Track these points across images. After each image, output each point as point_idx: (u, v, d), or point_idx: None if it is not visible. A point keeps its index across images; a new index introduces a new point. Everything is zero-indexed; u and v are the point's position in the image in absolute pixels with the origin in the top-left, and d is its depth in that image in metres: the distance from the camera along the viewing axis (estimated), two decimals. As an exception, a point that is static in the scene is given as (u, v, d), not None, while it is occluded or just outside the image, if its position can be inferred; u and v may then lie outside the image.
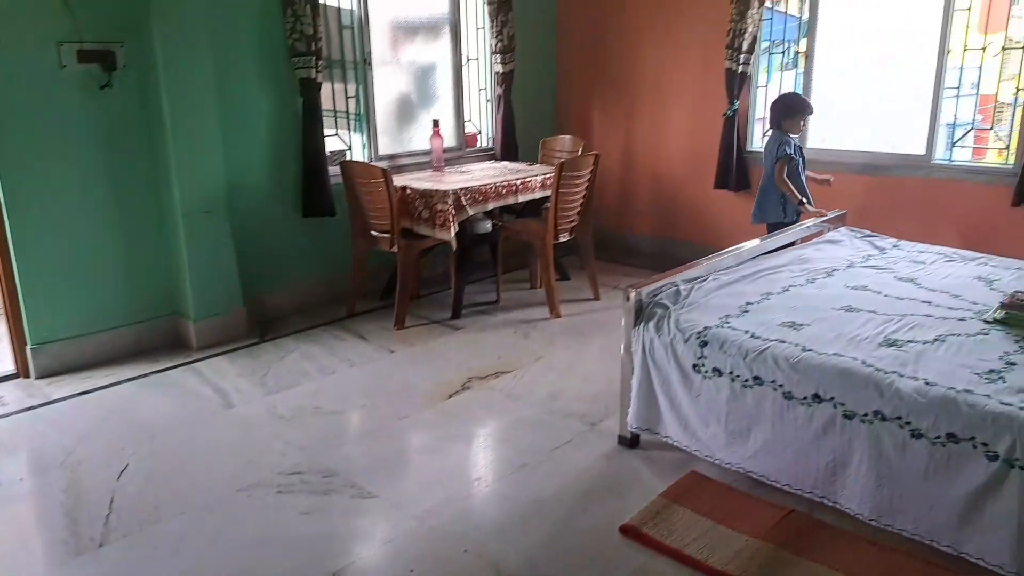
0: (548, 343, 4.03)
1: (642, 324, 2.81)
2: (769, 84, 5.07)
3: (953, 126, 4.36)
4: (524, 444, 2.98)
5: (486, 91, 5.60)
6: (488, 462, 2.94)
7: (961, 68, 4.24)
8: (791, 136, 4.19)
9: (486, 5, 5.24)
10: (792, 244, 3.87)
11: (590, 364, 3.72)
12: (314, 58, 4.23)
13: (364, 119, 4.83)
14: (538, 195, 4.57)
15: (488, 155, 5.56)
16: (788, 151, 4.14)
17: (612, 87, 5.69)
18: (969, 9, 4.12)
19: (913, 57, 4.38)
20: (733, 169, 5.02)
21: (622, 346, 2.88)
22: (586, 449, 2.93)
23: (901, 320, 2.75)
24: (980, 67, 4.19)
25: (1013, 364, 2.35)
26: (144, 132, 3.80)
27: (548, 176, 4.49)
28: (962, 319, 2.77)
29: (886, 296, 3.05)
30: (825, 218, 4.09)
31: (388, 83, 4.96)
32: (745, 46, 4.80)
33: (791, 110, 4.16)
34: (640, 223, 5.79)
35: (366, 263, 4.43)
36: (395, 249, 4.14)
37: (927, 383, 2.21)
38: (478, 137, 5.62)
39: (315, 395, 3.43)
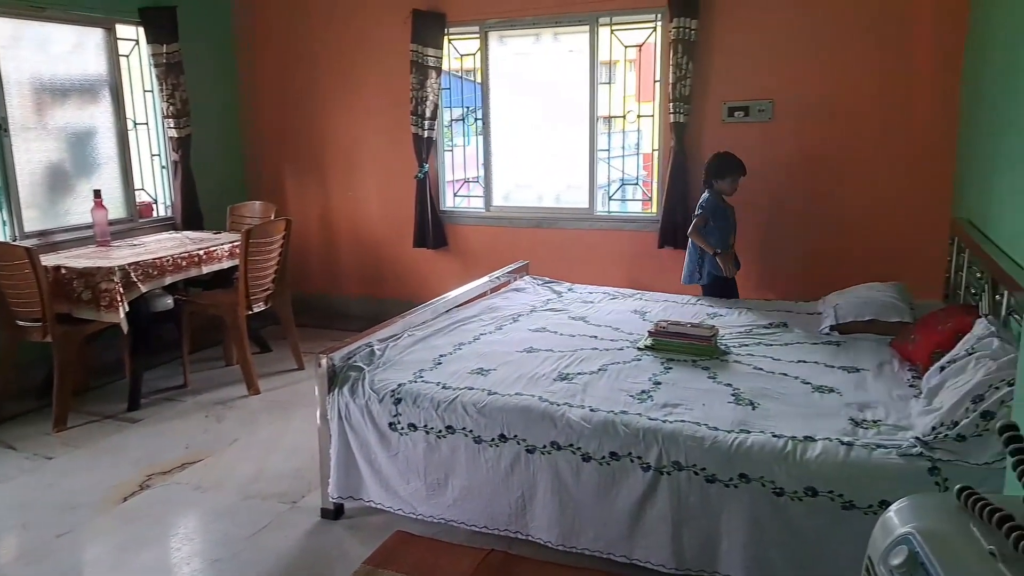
0: (246, 422, 3.77)
1: (336, 389, 2.75)
2: (466, 147, 5.38)
3: (622, 181, 4.96)
4: (217, 536, 2.72)
5: (160, 157, 5.21)
6: (175, 565, 2.62)
7: (624, 131, 4.89)
8: (723, 196, 4.02)
9: (153, 68, 4.91)
10: (484, 295, 4.10)
11: (293, 438, 3.54)
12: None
13: (3, 192, 4.19)
14: (226, 264, 4.32)
15: (167, 225, 5.14)
16: (701, 211, 3.97)
17: (305, 151, 5.64)
18: (610, 83, 4.79)
19: (577, 122, 4.95)
20: (430, 228, 5.22)
21: (317, 414, 2.79)
22: (288, 529, 2.76)
23: (573, 355, 3.03)
24: (638, 130, 4.84)
25: (659, 383, 2.71)
26: None
27: (236, 244, 4.28)
28: (621, 348, 3.13)
29: (561, 335, 3.35)
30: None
31: (33, 151, 4.38)
32: (428, 112, 5.07)
33: (721, 170, 3.98)
34: (346, 285, 5.75)
35: (13, 358, 3.78)
36: (49, 339, 3.60)
37: (591, 409, 2.45)
38: (153, 206, 5.18)
39: (-54, 524, 2.81)
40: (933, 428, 2.11)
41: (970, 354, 2.33)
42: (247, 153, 5.80)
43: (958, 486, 1.15)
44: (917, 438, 2.13)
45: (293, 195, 5.77)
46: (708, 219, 3.98)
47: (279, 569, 2.51)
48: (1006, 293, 2.61)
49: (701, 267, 4.07)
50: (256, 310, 4.23)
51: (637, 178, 4.93)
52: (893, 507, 1.21)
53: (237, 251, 4.16)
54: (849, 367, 2.84)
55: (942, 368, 2.42)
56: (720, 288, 4.03)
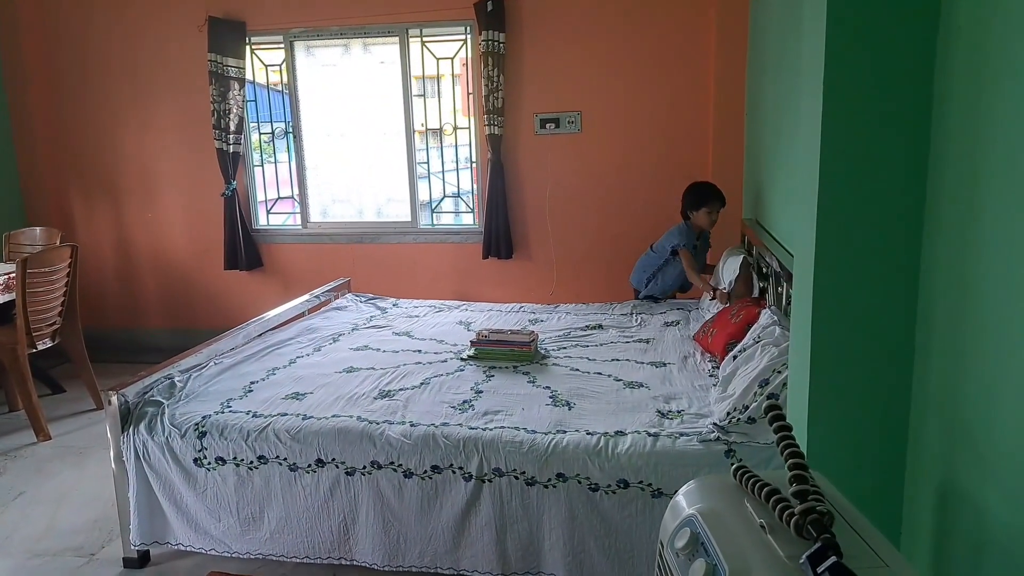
0: (34, 473, 3.35)
1: (132, 428, 2.51)
2: (277, 163, 5.13)
3: (443, 195, 4.95)
4: (-6, 607, 2.39)
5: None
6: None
7: (455, 144, 4.88)
8: (697, 229, 3.84)
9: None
10: (302, 315, 3.93)
11: (90, 486, 3.19)
12: None
13: None
14: (2, 299, 3.83)
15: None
16: (683, 243, 3.81)
17: (93, 172, 5.14)
18: (437, 96, 4.78)
19: (395, 135, 4.88)
20: (241, 248, 4.94)
21: (111, 457, 2.52)
22: (83, 587, 2.48)
23: (395, 371, 2.97)
24: (469, 143, 4.82)
25: (481, 392, 2.72)
26: None
27: (11, 275, 3.80)
28: (444, 361, 3.11)
29: (384, 352, 3.28)
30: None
31: None
32: (233, 126, 4.80)
33: (697, 201, 3.78)
34: (150, 316, 5.30)
35: None
36: None
37: (412, 425, 2.40)
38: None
39: None
40: (728, 413, 2.27)
41: (757, 342, 2.54)
42: (24, 177, 5.19)
43: (735, 465, 1.23)
44: (714, 424, 2.29)
45: (82, 219, 5.24)
46: (690, 251, 3.79)
47: (71, 635, 2.24)
48: (785, 285, 2.88)
49: (650, 280, 4.02)
50: (41, 347, 3.79)
51: (458, 191, 4.96)
52: (681, 490, 1.28)
53: (13, 283, 3.70)
54: (657, 362, 3.01)
55: (735, 357, 2.62)
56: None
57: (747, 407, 2.24)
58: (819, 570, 0.91)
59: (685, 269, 3.82)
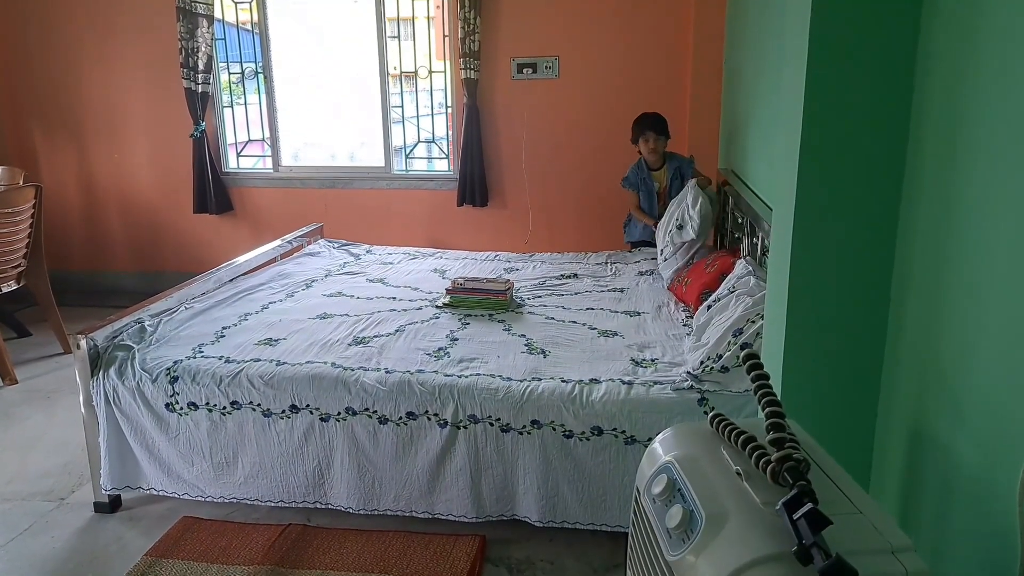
0: (1, 417, 3.30)
1: (101, 372, 2.47)
2: (247, 104, 4.97)
3: (418, 140, 4.85)
4: (-36, 550, 2.37)
5: None
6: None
7: (431, 89, 4.75)
8: (644, 162, 3.89)
9: None
10: (274, 260, 3.87)
11: (59, 430, 3.16)
12: None
13: None
14: (-38, 240, 3.71)
15: None
16: (627, 180, 3.92)
17: (56, 110, 4.95)
18: (413, 39, 4.64)
19: (368, 78, 4.75)
20: (211, 191, 4.83)
21: (81, 401, 2.49)
22: (56, 529, 2.47)
23: (370, 318, 2.95)
24: (444, 88, 4.71)
25: (456, 340, 2.71)
26: None
27: (-29, 216, 3.68)
28: (419, 308, 3.10)
29: (358, 299, 3.25)
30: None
31: None
32: (201, 65, 4.63)
33: (633, 134, 3.83)
34: (117, 258, 5.19)
35: None
36: None
37: (387, 371, 2.40)
38: None
39: None
40: (701, 362, 2.30)
41: (731, 292, 2.55)
42: (-17, 110, 4.99)
43: (711, 413, 1.24)
44: (688, 372, 2.31)
45: (46, 159, 5.06)
46: (636, 189, 3.90)
47: (47, 572, 2.24)
48: (760, 235, 2.89)
49: (626, 226, 4.10)
50: (6, 290, 3.71)
51: (432, 136, 4.87)
52: (657, 438, 1.29)
53: (-27, 223, 3.58)
54: (631, 311, 3.02)
55: (709, 307, 2.64)
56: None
57: (720, 356, 2.26)
58: (795, 516, 0.93)
59: (630, 208, 4.00)
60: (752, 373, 1.20)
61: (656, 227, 3.69)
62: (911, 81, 1.39)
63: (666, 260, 3.46)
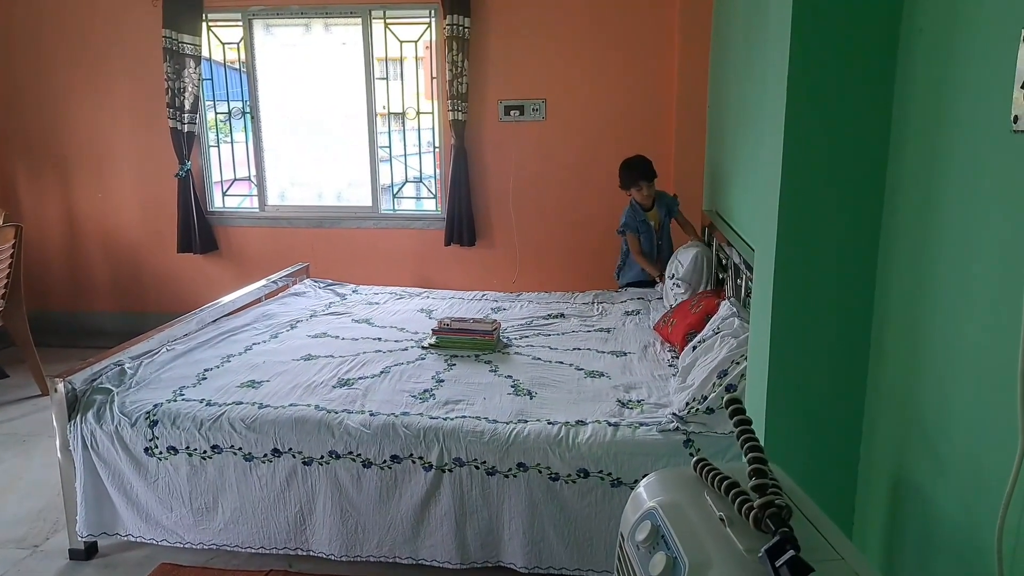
0: (-26, 461, 3.24)
1: (79, 416, 2.43)
2: (234, 143, 4.99)
3: (405, 180, 4.87)
4: (-69, 602, 2.30)
5: None
6: None
7: (418, 128, 4.79)
8: (638, 205, 3.89)
9: None
10: (258, 301, 3.85)
11: (34, 474, 3.09)
12: None
13: None
14: (-59, 280, 3.67)
15: None
16: (625, 225, 3.90)
17: (41, 148, 4.95)
18: (401, 79, 4.70)
19: (356, 118, 4.78)
20: (195, 231, 4.82)
21: (57, 446, 2.44)
22: (27, 579, 2.40)
23: (355, 359, 2.93)
24: (432, 128, 4.76)
25: (442, 381, 2.69)
26: None
27: (-49, 256, 3.65)
28: (405, 349, 3.08)
29: (343, 339, 3.23)
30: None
31: None
32: (188, 105, 4.66)
33: (626, 181, 3.85)
34: (99, 299, 5.14)
35: None
36: None
37: (371, 414, 2.37)
38: None
39: None
40: (687, 403, 2.29)
41: (716, 333, 2.56)
42: (-32, 150, 4.98)
43: (695, 458, 1.23)
44: (674, 414, 2.30)
45: (29, 198, 5.04)
46: (637, 232, 3.89)
47: (14, 629, 2.18)
48: (745, 277, 2.91)
49: (620, 269, 4.09)
50: (-17, 331, 3.66)
51: (420, 175, 4.90)
52: (642, 483, 1.28)
53: (-46, 264, 3.55)
54: (618, 351, 3.02)
55: (694, 348, 2.64)
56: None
57: (706, 397, 2.26)
58: (777, 563, 0.92)
59: (631, 252, 3.94)
60: (735, 419, 1.20)
61: (660, 278, 3.75)
62: (888, 129, 1.43)
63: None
